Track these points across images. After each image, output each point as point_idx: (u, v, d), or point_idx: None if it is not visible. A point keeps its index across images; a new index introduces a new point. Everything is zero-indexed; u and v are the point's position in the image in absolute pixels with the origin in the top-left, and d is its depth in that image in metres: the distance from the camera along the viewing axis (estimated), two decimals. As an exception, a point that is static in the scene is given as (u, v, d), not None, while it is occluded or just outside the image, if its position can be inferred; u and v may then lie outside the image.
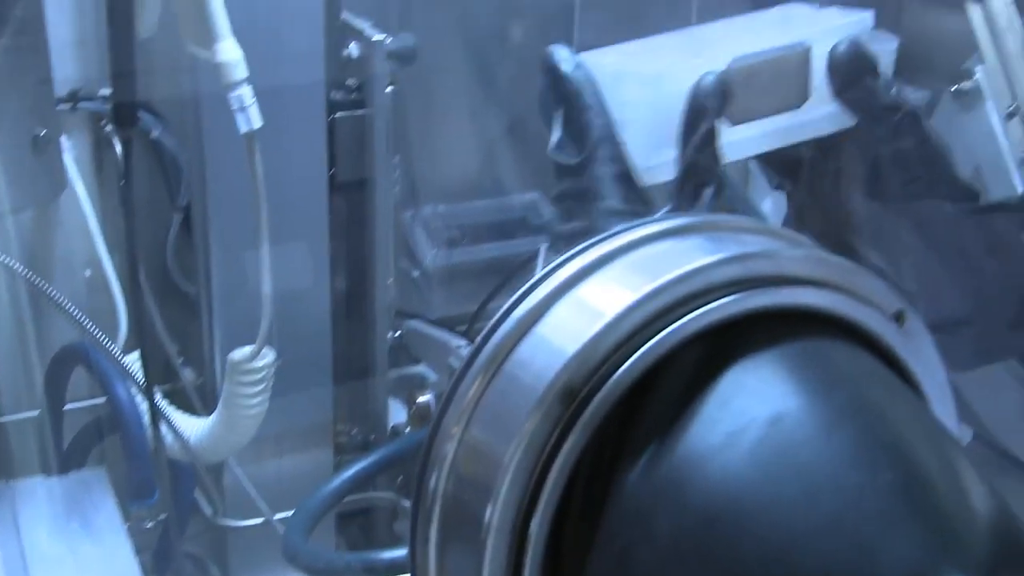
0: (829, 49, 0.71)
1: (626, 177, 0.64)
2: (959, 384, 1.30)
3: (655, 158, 0.65)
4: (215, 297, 1.09)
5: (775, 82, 0.69)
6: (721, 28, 0.75)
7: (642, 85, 0.66)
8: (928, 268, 0.74)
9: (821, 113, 0.72)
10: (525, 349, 0.48)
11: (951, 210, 0.71)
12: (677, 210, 0.62)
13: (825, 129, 0.72)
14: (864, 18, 0.72)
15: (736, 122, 0.67)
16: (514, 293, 0.50)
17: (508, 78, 1.36)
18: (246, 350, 1.06)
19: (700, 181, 0.63)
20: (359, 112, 1.03)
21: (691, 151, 0.62)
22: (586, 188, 0.63)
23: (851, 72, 0.70)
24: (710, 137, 0.63)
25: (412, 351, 1.27)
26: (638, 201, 0.63)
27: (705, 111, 0.63)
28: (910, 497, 0.42)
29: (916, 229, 0.73)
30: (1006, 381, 1.26)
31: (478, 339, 0.49)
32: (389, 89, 1.03)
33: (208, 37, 0.90)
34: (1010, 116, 1.16)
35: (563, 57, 0.68)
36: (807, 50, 0.70)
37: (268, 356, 1.07)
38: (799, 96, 0.70)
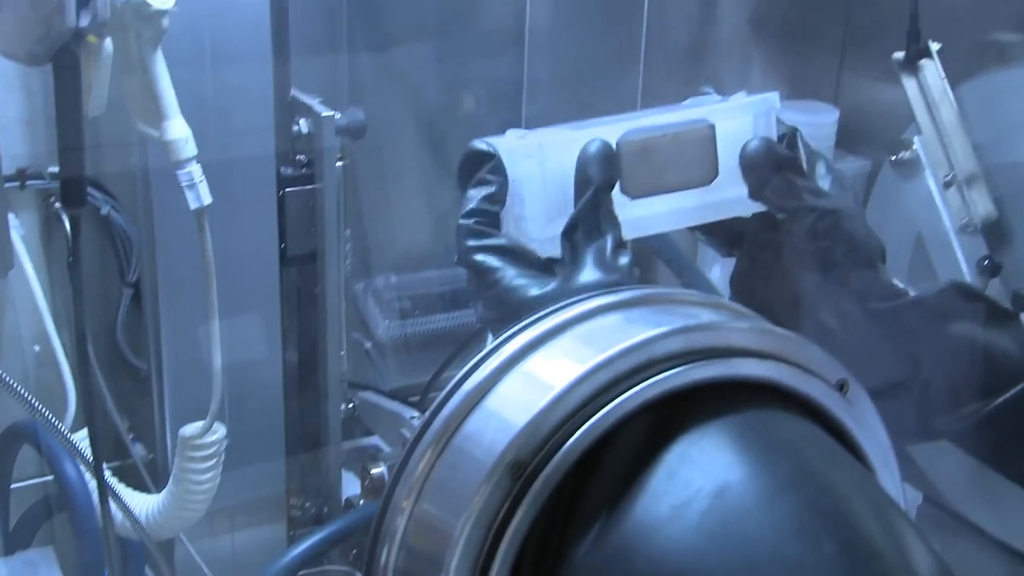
0: (736, 129, 0.71)
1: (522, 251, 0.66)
2: (908, 447, 1.31)
3: (548, 231, 0.66)
4: (165, 372, 1.08)
5: (676, 158, 0.68)
6: (624, 119, 0.75)
7: (528, 158, 0.66)
8: (869, 342, 0.75)
9: (735, 194, 0.71)
10: (474, 423, 0.48)
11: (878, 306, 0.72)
12: (568, 275, 0.63)
13: (741, 211, 0.72)
14: (769, 98, 0.72)
15: (635, 196, 0.66)
16: (464, 365, 0.51)
17: (459, 150, 1.37)
18: (197, 425, 1.05)
19: (588, 237, 0.63)
20: (309, 187, 1.04)
21: (574, 217, 0.63)
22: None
23: (765, 170, 0.70)
24: (596, 204, 0.63)
25: (365, 423, 1.26)
26: (540, 272, 0.64)
27: (589, 179, 0.64)
28: (852, 567, 0.43)
29: (858, 302, 0.75)
30: (953, 446, 1.27)
31: (427, 413, 0.49)
32: (339, 164, 1.04)
33: (157, 116, 0.90)
34: (947, 185, 1.19)
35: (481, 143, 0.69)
36: (710, 127, 0.69)
37: (219, 431, 1.06)
38: (706, 174, 0.69)
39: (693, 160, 0.69)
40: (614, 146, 0.66)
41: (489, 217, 0.66)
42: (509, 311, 0.62)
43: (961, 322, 0.73)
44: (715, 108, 0.71)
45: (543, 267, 0.65)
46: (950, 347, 0.73)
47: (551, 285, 0.63)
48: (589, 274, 0.62)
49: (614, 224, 0.63)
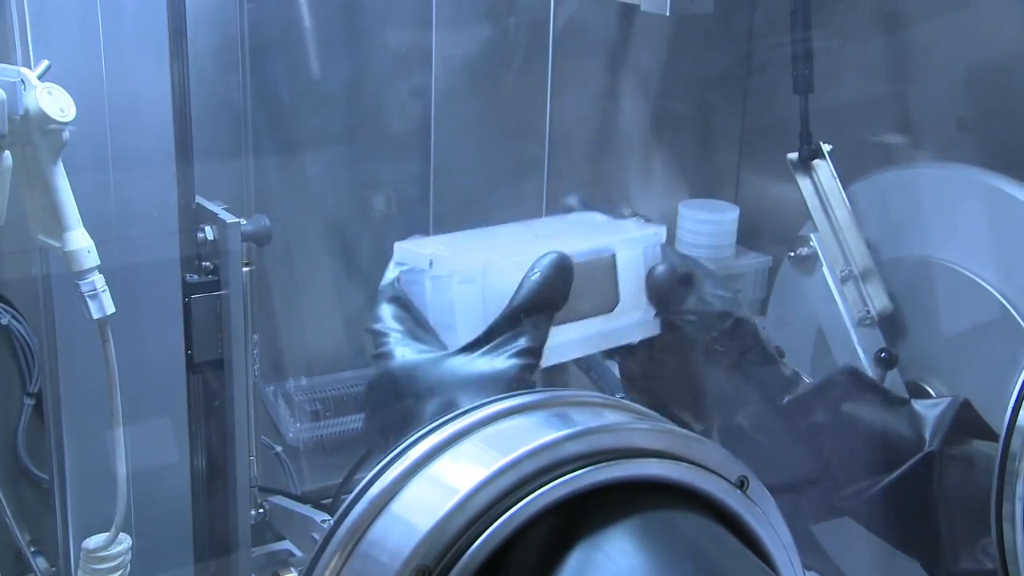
0: (630, 259, 0.74)
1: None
2: (815, 532, 1.33)
3: None
4: (68, 483, 1.06)
5: (587, 286, 0.70)
6: (527, 228, 0.77)
7: (469, 282, 0.68)
8: (777, 433, 0.77)
9: (633, 319, 0.74)
10: (380, 528, 0.49)
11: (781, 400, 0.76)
12: (464, 352, 0.64)
13: (637, 336, 0.75)
14: (659, 232, 0.76)
15: (558, 324, 0.68)
16: (372, 469, 0.51)
17: (368, 253, 1.38)
18: (101, 537, 1.03)
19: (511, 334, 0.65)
20: (215, 293, 1.03)
21: (509, 317, 0.65)
22: None
23: (672, 293, 0.74)
24: (538, 320, 0.65)
25: (276, 527, 1.24)
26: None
27: (549, 296, 0.65)
28: None
29: (763, 396, 0.77)
30: (866, 532, 1.29)
31: (333, 519, 0.50)
32: (246, 269, 1.04)
33: (57, 227, 0.90)
34: (844, 280, 1.23)
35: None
36: (612, 256, 0.72)
37: (124, 542, 1.04)
38: (610, 302, 0.72)
39: (600, 288, 0.71)
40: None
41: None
42: (387, 376, 0.63)
43: (856, 403, 0.76)
44: (616, 238, 0.74)
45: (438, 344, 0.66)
46: (847, 427, 0.75)
47: (433, 354, 0.64)
48: (486, 363, 0.63)
49: (538, 338, 0.64)
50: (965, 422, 0.74)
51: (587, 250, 0.71)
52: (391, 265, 0.71)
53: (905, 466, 0.73)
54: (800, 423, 0.75)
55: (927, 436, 0.73)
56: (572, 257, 0.67)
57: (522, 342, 0.63)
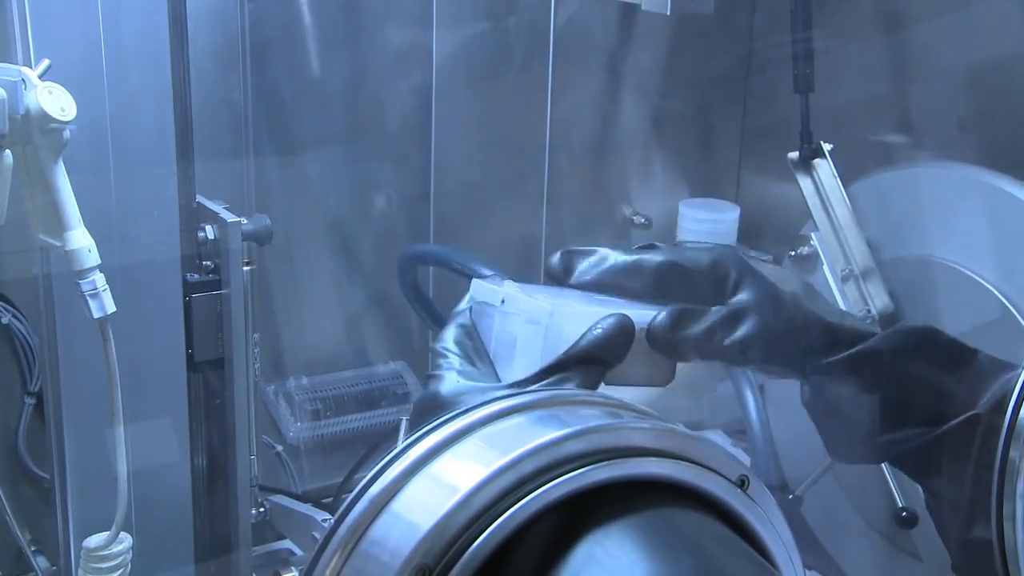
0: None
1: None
2: (816, 533, 1.33)
3: None
4: (69, 482, 1.06)
5: (647, 355, 0.69)
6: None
7: (535, 323, 0.68)
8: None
9: (687, 402, 0.74)
10: (380, 527, 0.49)
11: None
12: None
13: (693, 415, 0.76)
14: None
15: (611, 383, 0.67)
16: (372, 468, 0.51)
17: (369, 252, 1.38)
18: (101, 536, 1.03)
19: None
20: (216, 292, 1.03)
21: (563, 365, 0.66)
22: None
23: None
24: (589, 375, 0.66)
25: (277, 527, 1.24)
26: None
27: (605, 354, 0.66)
28: None
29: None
30: (861, 528, 1.30)
31: (334, 518, 0.50)
32: (246, 268, 1.04)
33: (58, 226, 0.90)
34: (845, 279, 1.23)
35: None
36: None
37: (125, 541, 1.04)
38: (665, 377, 0.71)
39: (658, 360, 0.70)
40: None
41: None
42: (432, 396, 0.64)
43: (926, 357, 0.76)
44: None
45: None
46: (912, 377, 0.76)
47: (481, 384, 0.64)
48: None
49: (585, 388, 0.65)
50: None
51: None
52: (466, 297, 0.72)
53: (952, 424, 0.73)
54: (867, 370, 0.75)
55: (983, 398, 0.73)
56: (637, 323, 0.67)
57: (568, 388, 0.64)
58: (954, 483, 0.72)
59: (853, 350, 0.75)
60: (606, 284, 0.72)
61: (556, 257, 0.72)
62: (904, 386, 0.76)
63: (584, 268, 0.72)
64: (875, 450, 0.78)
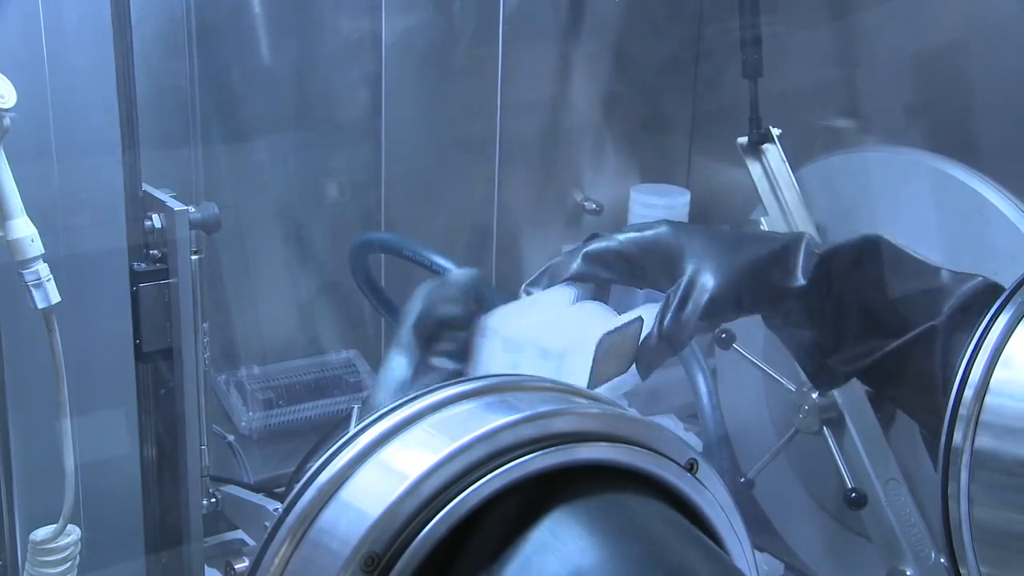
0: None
1: None
2: (768, 515, 1.35)
3: None
4: (15, 475, 1.04)
5: (619, 350, 0.75)
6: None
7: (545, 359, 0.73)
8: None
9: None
10: (329, 515, 0.48)
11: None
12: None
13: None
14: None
15: (595, 385, 0.73)
16: (320, 457, 0.51)
17: (321, 240, 1.38)
18: (48, 529, 1.02)
19: None
20: (163, 282, 1.02)
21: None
22: None
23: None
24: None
25: (229, 517, 1.24)
26: None
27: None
28: None
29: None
30: (812, 509, 1.31)
31: (283, 506, 0.49)
32: (195, 257, 1.03)
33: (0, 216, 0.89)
34: (794, 263, 1.24)
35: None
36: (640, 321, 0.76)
37: (73, 534, 1.03)
38: (628, 365, 0.77)
39: (626, 352, 0.76)
40: None
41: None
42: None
43: (886, 268, 0.77)
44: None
45: None
46: (872, 290, 0.77)
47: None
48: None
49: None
50: (985, 302, 0.75)
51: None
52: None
53: (909, 335, 0.74)
54: (822, 277, 0.77)
55: (944, 309, 0.75)
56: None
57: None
58: (926, 392, 0.74)
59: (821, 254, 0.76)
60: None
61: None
62: (862, 298, 0.77)
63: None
64: (846, 366, 0.79)
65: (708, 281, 0.76)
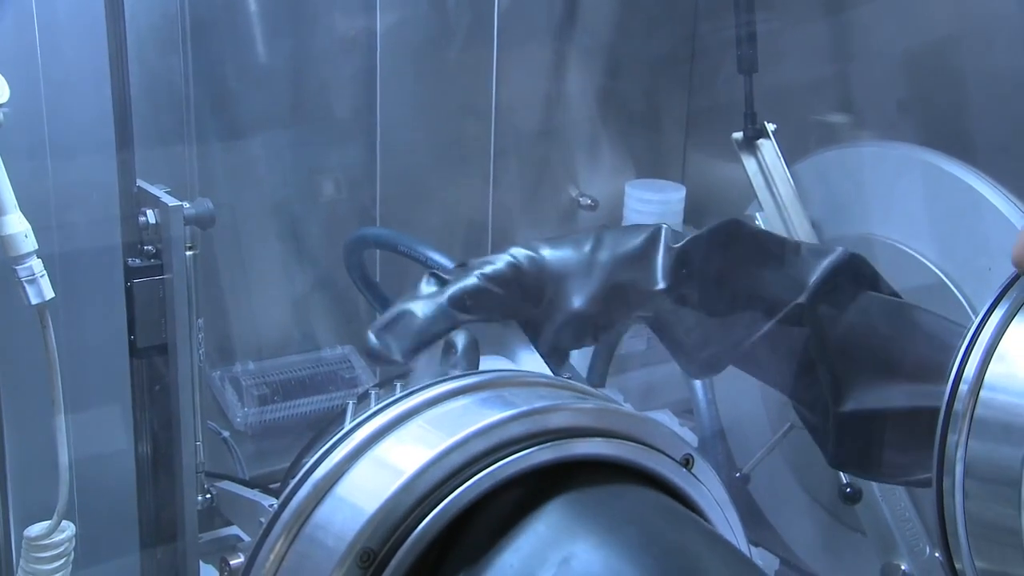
0: None
1: None
2: (763, 510, 1.35)
3: None
4: (9, 471, 1.04)
5: None
6: None
7: None
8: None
9: None
10: (325, 511, 0.48)
11: None
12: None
13: None
14: None
15: None
16: (315, 453, 0.51)
17: (316, 236, 1.38)
18: (43, 525, 1.02)
19: None
20: (158, 278, 1.02)
21: None
22: None
23: None
24: None
25: (224, 513, 1.24)
26: None
27: None
28: None
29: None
30: (806, 504, 1.31)
31: (279, 502, 0.49)
32: (189, 253, 1.03)
33: (-8, 212, 0.89)
34: (789, 258, 1.24)
35: None
36: None
37: (67, 530, 1.03)
38: None
39: None
40: None
41: None
42: None
43: (745, 251, 0.77)
44: None
45: None
46: (737, 276, 0.76)
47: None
48: None
49: None
50: (852, 274, 0.75)
51: None
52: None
53: (776, 317, 0.74)
54: (683, 273, 0.76)
55: (810, 284, 0.74)
56: None
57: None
58: (806, 371, 0.74)
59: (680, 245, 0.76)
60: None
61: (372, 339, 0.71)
62: (726, 286, 0.77)
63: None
64: (720, 356, 0.79)
65: (571, 303, 0.74)
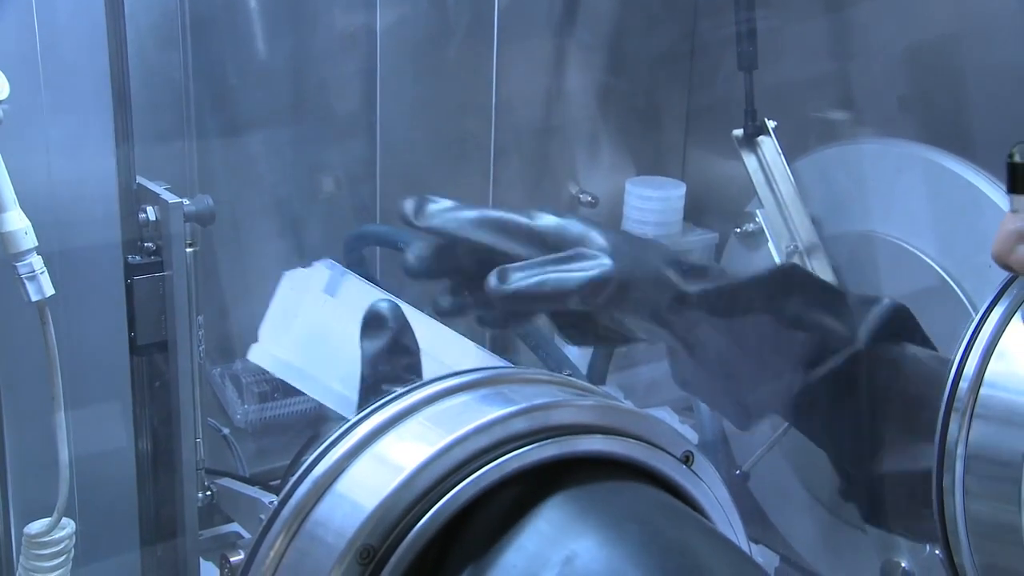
0: None
1: None
2: (763, 508, 1.35)
3: None
4: (9, 469, 1.04)
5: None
6: None
7: None
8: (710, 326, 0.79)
9: None
10: (325, 508, 0.48)
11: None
12: None
13: None
14: None
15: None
16: (316, 449, 0.51)
17: (316, 233, 1.38)
18: (43, 522, 1.02)
19: None
20: (158, 275, 1.02)
21: None
22: None
23: None
24: None
25: (224, 510, 1.24)
26: None
27: None
28: None
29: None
30: (807, 502, 1.31)
31: (278, 499, 0.49)
32: (189, 250, 1.03)
33: (-8, 208, 0.89)
34: (790, 255, 1.24)
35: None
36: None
37: (68, 527, 1.03)
38: None
39: None
40: None
41: None
42: None
43: (793, 298, 0.76)
44: None
45: None
46: (783, 322, 0.76)
47: None
48: None
49: None
50: (898, 325, 0.75)
51: None
52: None
53: (832, 362, 0.74)
54: (734, 317, 0.76)
55: (860, 335, 0.74)
56: None
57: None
58: (850, 418, 0.73)
59: (727, 287, 0.75)
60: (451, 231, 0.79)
61: (410, 202, 0.79)
62: (775, 330, 0.76)
63: (432, 211, 0.80)
64: (765, 403, 0.78)
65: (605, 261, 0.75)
